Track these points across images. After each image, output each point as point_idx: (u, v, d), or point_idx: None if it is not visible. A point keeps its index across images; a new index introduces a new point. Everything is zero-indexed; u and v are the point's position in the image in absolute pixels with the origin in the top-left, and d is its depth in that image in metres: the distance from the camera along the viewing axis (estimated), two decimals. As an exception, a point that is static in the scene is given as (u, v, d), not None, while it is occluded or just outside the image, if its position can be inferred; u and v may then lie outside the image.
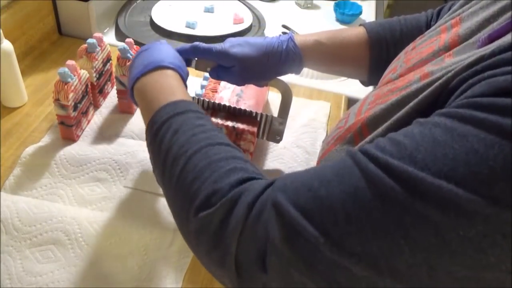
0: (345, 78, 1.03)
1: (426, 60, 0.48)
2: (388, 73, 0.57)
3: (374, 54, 0.70)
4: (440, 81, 0.38)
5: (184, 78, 0.59)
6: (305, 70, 1.07)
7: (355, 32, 0.71)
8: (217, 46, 0.67)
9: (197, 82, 0.95)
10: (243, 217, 0.40)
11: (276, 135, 0.79)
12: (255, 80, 0.71)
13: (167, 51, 0.61)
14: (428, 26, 0.69)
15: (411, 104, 0.40)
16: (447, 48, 0.47)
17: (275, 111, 0.81)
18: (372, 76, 0.72)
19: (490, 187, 0.29)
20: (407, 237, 0.32)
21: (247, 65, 0.67)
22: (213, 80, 0.87)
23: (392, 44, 0.69)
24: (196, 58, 0.69)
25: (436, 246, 0.31)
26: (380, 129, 0.43)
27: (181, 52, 0.67)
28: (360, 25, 0.73)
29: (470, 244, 0.30)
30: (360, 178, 0.34)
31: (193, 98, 0.86)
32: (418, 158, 0.32)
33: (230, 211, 0.41)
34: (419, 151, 0.33)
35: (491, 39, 0.40)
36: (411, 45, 0.57)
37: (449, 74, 0.38)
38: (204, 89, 0.86)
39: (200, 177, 0.44)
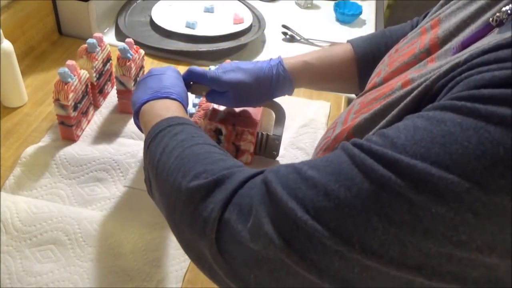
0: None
1: (408, 64, 0.49)
2: (374, 77, 0.57)
3: (361, 70, 0.72)
4: (419, 89, 0.39)
5: (183, 103, 0.63)
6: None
7: (342, 49, 0.74)
8: (211, 72, 0.71)
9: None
10: (232, 189, 0.42)
11: (273, 151, 0.81)
12: (248, 104, 0.75)
13: (175, 82, 0.66)
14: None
15: (394, 112, 0.41)
16: (428, 50, 0.47)
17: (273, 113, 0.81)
18: (363, 87, 0.73)
19: (463, 166, 0.30)
20: (381, 214, 0.33)
21: (240, 90, 0.70)
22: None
23: (378, 58, 0.69)
24: (192, 83, 0.73)
25: (409, 222, 0.32)
26: None
27: (184, 77, 0.71)
28: (347, 41, 0.75)
29: (442, 221, 0.31)
30: (346, 161, 0.36)
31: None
32: (398, 143, 0.34)
33: (220, 183, 0.43)
34: (400, 137, 0.34)
35: (464, 45, 0.42)
36: (394, 48, 0.58)
37: (427, 82, 0.39)
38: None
39: (188, 164, 0.47)
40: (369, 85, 0.56)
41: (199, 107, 0.81)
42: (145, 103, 0.61)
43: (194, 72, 0.71)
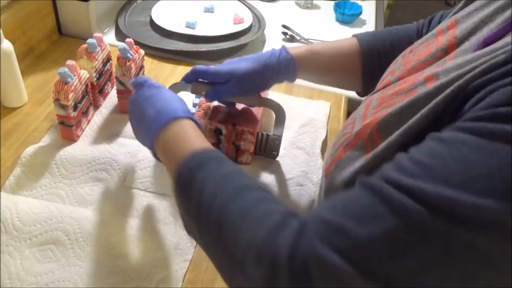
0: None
1: (425, 62, 0.49)
2: (386, 76, 0.57)
3: (366, 64, 0.71)
4: (451, 88, 0.39)
5: (197, 122, 0.59)
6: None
7: (347, 42, 0.73)
8: (212, 67, 0.71)
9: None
10: (286, 273, 0.39)
11: (273, 151, 0.81)
12: (252, 91, 0.74)
13: (172, 98, 0.61)
14: (419, 35, 0.70)
15: (424, 110, 0.41)
16: (445, 50, 0.47)
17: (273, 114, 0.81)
18: (367, 86, 0.73)
19: None
20: (455, 269, 0.33)
21: (243, 77, 0.70)
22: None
23: (384, 54, 0.70)
24: (192, 83, 0.73)
25: (486, 275, 0.33)
26: (393, 137, 0.43)
27: (184, 79, 0.73)
28: (353, 36, 0.74)
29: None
30: (392, 214, 0.34)
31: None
32: (453, 180, 0.32)
33: (271, 271, 0.40)
34: (453, 173, 0.33)
35: (486, 43, 0.41)
36: (408, 49, 0.58)
37: (461, 82, 0.38)
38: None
39: (234, 231, 0.44)
40: (382, 83, 0.56)
41: (199, 107, 0.81)
42: (157, 136, 0.57)
43: (197, 70, 0.71)
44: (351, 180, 0.45)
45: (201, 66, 0.72)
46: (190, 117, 0.58)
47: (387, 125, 0.45)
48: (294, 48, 0.73)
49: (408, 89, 0.46)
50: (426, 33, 0.69)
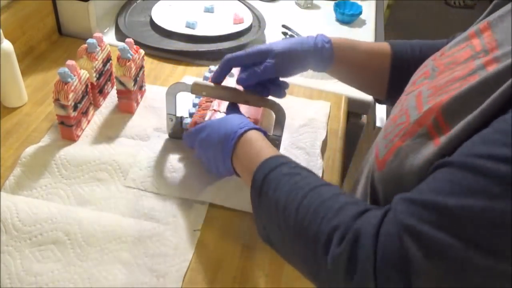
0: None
1: (468, 64, 0.49)
2: (418, 78, 0.57)
3: (395, 68, 0.72)
4: None
5: (262, 130, 0.66)
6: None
7: (380, 44, 0.75)
8: (249, 49, 0.70)
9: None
10: (370, 249, 0.41)
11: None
12: (286, 72, 0.71)
13: (228, 118, 0.68)
14: None
15: (495, 95, 0.40)
16: (487, 51, 0.47)
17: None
18: (390, 91, 0.74)
19: None
20: None
21: (281, 55, 0.68)
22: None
23: (413, 62, 0.70)
24: (192, 83, 0.71)
25: None
26: (462, 123, 0.42)
27: (218, 76, 0.71)
28: (386, 41, 0.75)
29: None
30: (492, 184, 0.36)
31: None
32: None
33: (354, 246, 0.42)
34: None
35: None
36: (438, 53, 0.58)
37: None
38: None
39: (316, 219, 0.47)
40: (415, 85, 0.57)
41: (199, 107, 0.81)
42: (232, 156, 0.64)
43: (231, 58, 0.70)
44: (424, 166, 0.45)
45: (233, 53, 0.70)
46: (253, 127, 0.64)
47: (453, 108, 0.44)
48: (331, 36, 0.73)
49: (468, 74, 0.46)
50: None
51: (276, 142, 0.79)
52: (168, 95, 0.76)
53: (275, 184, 0.53)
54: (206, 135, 0.68)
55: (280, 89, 0.73)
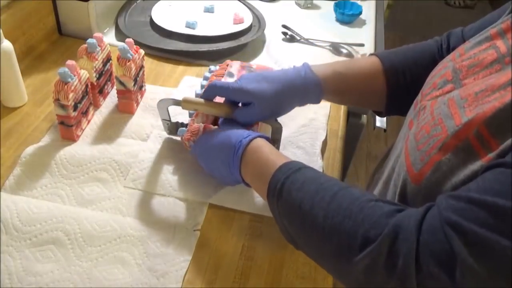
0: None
1: (492, 69, 0.48)
2: (439, 79, 0.55)
3: (391, 83, 0.70)
4: None
5: (266, 136, 0.65)
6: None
7: (369, 61, 0.72)
8: (234, 84, 0.67)
9: (197, 82, 0.95)
10: (413, 243, 0.40)
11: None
12: (274, 115, 0.71)
13: (233, 130, 0.66)
14: (440, 51, 0.70)
15: None
16: None
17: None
18: (390, 105, 0.72)
19: None
20: None
21: (266, 101, 0.67)
22: (214, 80, 0.86)
23: (408, 70, 0.70)
24: (182, 98, 0.71)
25: None
26: None
27: (205, 96, 0.70)
28: (371, 54, 0.74)
29: None
30: None
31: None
32: None
33: (395, 240, 0.41)
34: None
35: None
36: (457, 52, 0.57)
37: None
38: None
39: (350, 216, 0.46)
40: (434, 91, 0.55)
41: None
42: (239, 168, 0.63)
43: (217, 86, 0.68)
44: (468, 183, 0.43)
45: (220, 82, 0.69)
46: (258, 135, 0.64)
47: (500, 122, 0.42)
48: (317, 68, 0.70)
49: (507, 84, 0.44)
50: (447, 49, 0.69)
51: None
52: (159, 108, 0.77)
53: (298, 185, 0.52)
54: (209, 148, 0.67)
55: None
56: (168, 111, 0.78)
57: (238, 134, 0.64)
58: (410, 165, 0.51)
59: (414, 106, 0.60)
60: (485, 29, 0.55)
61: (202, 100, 0.71)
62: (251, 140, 0.63)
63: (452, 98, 0.49)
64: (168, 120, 0.80)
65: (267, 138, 0.65)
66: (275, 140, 0.75)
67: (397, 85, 0.70)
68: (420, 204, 0.48)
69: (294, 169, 0.55)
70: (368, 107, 0.80)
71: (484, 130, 0.43)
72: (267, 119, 0.71)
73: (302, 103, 0.72)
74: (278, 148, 0.76)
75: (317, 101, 0.72)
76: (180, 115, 0.85)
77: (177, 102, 0.72)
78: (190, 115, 0.83)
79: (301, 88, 0.68)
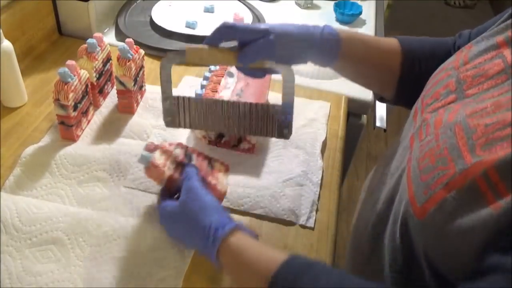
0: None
1: (497, 79, 0.46)
2: (442, 89, 0.53)
3: (405, 66, 0.68)
4: None
5: (242, 227, 0.57)
6: (305, 69, 1.07)
7: (389, 40, 0.70)
8: (256, 25, 0.64)
9: (197, 82, 0.95)
10: None
11: (284, 128, 0.70)
12: (287, 57, 0.65)
13: (210, 205, 0.59)
14: (453, 50, 0.68)
15: None
16: None
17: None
18: (400, 91, 0.70)
19: None
20: None
21: (282, 37, 0.63)
22: (214, 80, 0.87)
23: (423, 58, 0.68)
24: (186, 48, 0.65)
25: None
26: None
27: (211, 40, 0.64)
28: (394, 37, 0.71)
29: None
30: None
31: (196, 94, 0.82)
32: None
33: None
34: None
35: None
36: (460, 59, 0.54)
37: None
38: (204, 89, 0.86)
39: None
40: (440, 100, 0.52)
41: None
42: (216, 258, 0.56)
43: (226, 26, 0.63)
44: (479, 230, 0.40)
45: (230, 22, 0.63)
46: (234, 227, 0.56)
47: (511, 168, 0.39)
48: (338, 29, 0.67)
49: None
50: (456, 50, 0.66)
51: (287, 113, 0.68)
52: (163, 69, 0.67)
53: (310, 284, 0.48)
54: (175, 223, 0.62)
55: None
56: (170, 78, 0.69)
57: (211, 223, 0.57)
58: (413, 196, 0.48)
59: (414, 116, 0.58)
60: (489, 33, 0.53)
61: (206, 46, 0.65)
62: (227, 236, 0.56)
63: (459, 125, 0.46)
64: (169, 95, 0.70)
65: (244, 229, 0.57)
66: (287, 88, 0.66)
67: (411, 70, 0.68)
68: (423, 242, 0.46)
69: (298, 270, 0.50)
70: (377, 88, 0.76)
71: (495, 174, 0.40)
72: (278, 60, 0.64)
73: (316, 56, 0.66)
74: (292, 97, 0.67)
75: (331, 60, 0.66)
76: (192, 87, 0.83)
77: (182, 54, 0.64)
78: (202, 87, 0.82)
79: (318, 37, 0.64)
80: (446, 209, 0.43)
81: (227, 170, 0.70)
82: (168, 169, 0.64)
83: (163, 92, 0.70)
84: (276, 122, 0.69)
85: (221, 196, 0.66)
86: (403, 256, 0.50)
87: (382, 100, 0.76)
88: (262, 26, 0.63)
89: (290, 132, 0.70)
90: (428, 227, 0.45)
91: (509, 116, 0.42)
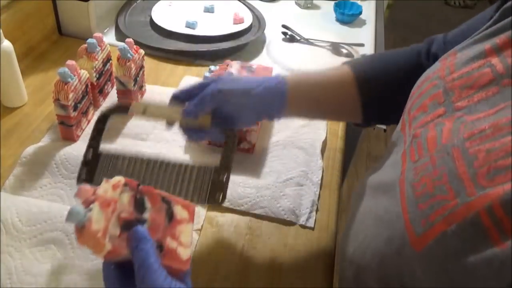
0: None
1: (488, 91, 0.44)
2: (429, 100, 0.50)
3: (363, 88, 0.65)
4: None
5: None
6: (302, 69, 1.08)
7: (339, 70, 0.67)
8: (197, 83, 0.63)
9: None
10: None
11: (217, 192, 0.59)
12: (232, 121, 0.62)
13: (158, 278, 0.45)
14: (419, 59, 0.65)
15: None
16: None
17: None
18: (368, 116, 0.67)
19: None
20: None
21: (229, 93, 0.61)
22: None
23: (382, 75, 0.66)
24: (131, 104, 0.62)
25: None
26: None
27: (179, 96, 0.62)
28: (343, 63, 0.68)
29: None
30: None
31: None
32: None
33: None
34: None
35: None
36: (446, 69, 0.51)
37: None
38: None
39: None
40: (429, 114, 0.49)
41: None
42: None
43: (176, 95, 0.61)
44: (482, 268, 0.37)
45: (176, 90, 0.63)
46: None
47: None
48: (288, 76, 0.65)
49: None
50: (428, 59, 0.65)
51: (223, 175, 0.60)
52: (99, 122, 0.64)
53: None
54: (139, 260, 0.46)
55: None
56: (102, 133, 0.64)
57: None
58: (409, 223, 0.45)
59: (402, 128, 0.55)
60: (474, 39, 0.50)
61: (151, 102, 0.62)
62: None
63: (457, 148, 0.43)
64: (96, 147, 0.63)
65: None
66: (228, 153, 0.60)
67: (371, 91, 0.65)
68: (421, 272, 0.44)
69: None
70: (343, 119, 0.74)
71: (500, 211, 0.37)
72: (224, 115, 0.61)
73: (265, 111, 0.63)
74: (230, 166, 0.60)
75: (282, 111, 0.63)
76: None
77: (124, 110, 0.60)
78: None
79: (263, 93, 0.61)
80: (446, 244, 0.41)
81: (191, 215, 0.53)
82: (110, 239, 0.45)
83: (90, 141, 0.64)
84: (210, 185, 0.61)
85: (184, 264, 0.50)
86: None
87: (356, 125, 0.72)
88: (207, 80, 0.62)
89: (224, 197, 0.60)
90: (426, 260, 0.43)
91: (510, 141, 0.39)
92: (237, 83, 0.63)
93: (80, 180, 0.61)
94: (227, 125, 0.62)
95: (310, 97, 0.65)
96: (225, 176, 0.59)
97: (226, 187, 0.59)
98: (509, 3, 0.47)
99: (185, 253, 0.50)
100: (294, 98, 0.63)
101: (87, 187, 0.47)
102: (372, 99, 0.66)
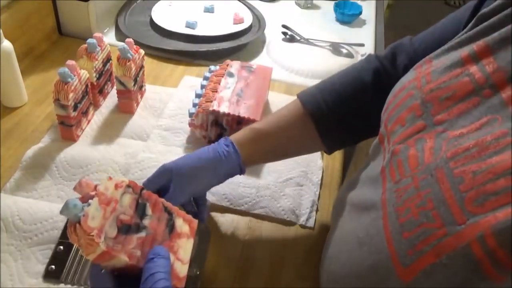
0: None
1: (469, 102, 0.42)
2: (406, 113, 0.48)
3: (320, 121, 0.64)
4: None
5: None
6: (304, 69, 1.08)
7: (290, 108, 0.66)
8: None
9: (197, 82, 0.95)
10: None
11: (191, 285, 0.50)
12: (196, 189, 0.62)
13: None
14: (380, 74, 0.63)
15: None
16: (493, 86, 0.40)
17: (275, 109, 0.81)
18: (328, 142, 0.66)
19: None
20: None
21: (182, 174, 0.60)
22: (214, 80, 0.87)
23: (338, 100, 0.63)
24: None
25: None
26: None
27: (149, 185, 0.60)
28: (297, 96, 0.67)
29: None
30: None
31: None
32: None
33: None
34: None
35: None
36: (422, 79, 0.48)
37: None
38: (204, 89, 0.86)
39: None
40: (407, 128, 0.47)
41: (198, 107, 0.81)
42: None
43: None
44: None
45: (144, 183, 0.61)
46: None
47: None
48: (235, 135, 0.64)
49: (501, 149, 0.37)
50: (393, 68, 0.63)
51: (196, 274, 0.52)
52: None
53: None
54: None
55: (199, 213, 0.64)
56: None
57: None
58: (395, 253, 0.42)
59: (381, 141, 0.53)
60: (449, 45, 0.48)
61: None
62: None
63: (441, 170, 0.40)
64: (67, 242, 0.60)
65: None
66: (202, 246, 0.54)
67: (329, 121, 0.63)
68: None
69: None
70: (306, 153, 0.73)
71: (494, 243, 0.34)
72: (185, 194, 0.60)
73: (224, 174, 0.63)
74: (204, 259, 0.55)
75: (240, 171, 0.64)
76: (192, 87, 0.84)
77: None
78: (202, 87, 0.80)
79: (217, 159, 0.61)
80: (436, 277, 0.38)
81: (192, 231, 0.50)
82: (105, 239, 0.42)
83: (60, 239, 0.62)
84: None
85: (179, 281, 0.46)
86: None
87: (327, 152, 0.69)
88: (161, 169, 0.60)
89: None
90: None
91: (497, 162, 0.36)
92: (189, 164, 0.61)
93: (48, 273, 0.60)
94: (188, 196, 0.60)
95: (269, 152, 0.66)
96: (198, 272, 0.52)
97: (198, 284, 0.52)
98: (486, 9, 0.45)
99: (181, 269, 0.46)
100: (248, 160, 0.63)
101: (88, 181, 0.45)
102: (331, 128, 0.64)
